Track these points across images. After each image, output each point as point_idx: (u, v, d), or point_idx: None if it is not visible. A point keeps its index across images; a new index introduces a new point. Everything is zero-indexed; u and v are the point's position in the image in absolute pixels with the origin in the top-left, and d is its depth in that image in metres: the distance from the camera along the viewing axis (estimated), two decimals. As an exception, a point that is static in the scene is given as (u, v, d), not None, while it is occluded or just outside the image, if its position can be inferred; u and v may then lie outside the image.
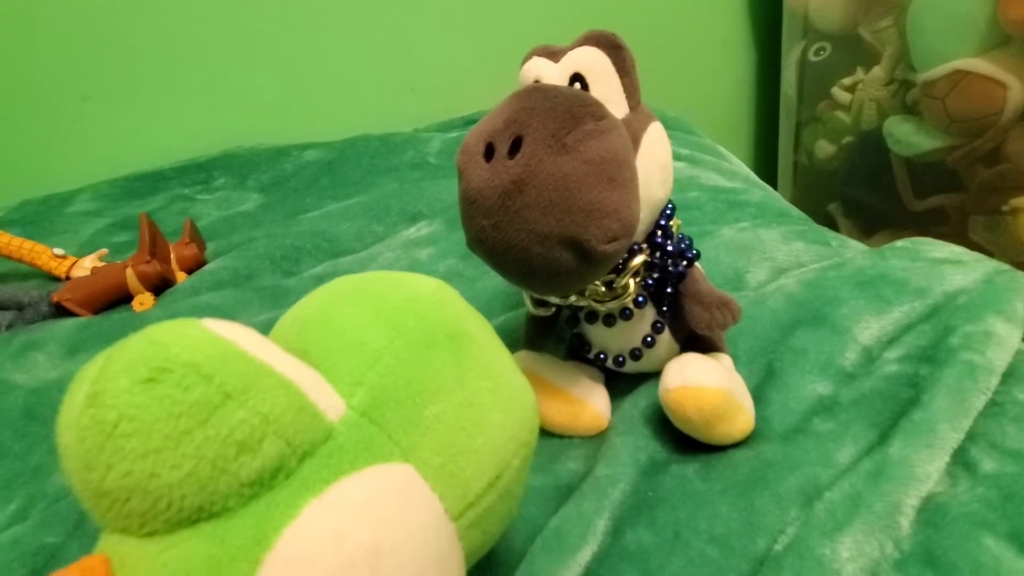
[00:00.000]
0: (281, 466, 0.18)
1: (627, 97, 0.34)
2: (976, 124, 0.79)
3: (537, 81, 0.34)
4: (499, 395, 0.22)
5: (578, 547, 0.31)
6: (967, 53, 0.78)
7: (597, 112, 0.30)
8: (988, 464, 0.33)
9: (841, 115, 1.00)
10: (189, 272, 0.65)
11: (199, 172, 0.88)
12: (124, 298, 0.60)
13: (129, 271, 0.59)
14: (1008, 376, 0.37)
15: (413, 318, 0.22)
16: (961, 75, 0.78)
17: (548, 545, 0.31)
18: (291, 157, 0.88)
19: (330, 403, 0.19)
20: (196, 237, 0.67)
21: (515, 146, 0.29)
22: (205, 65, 0.92)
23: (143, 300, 0.59)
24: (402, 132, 0.92)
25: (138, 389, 0.17)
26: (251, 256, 0.63)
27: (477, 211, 0.30)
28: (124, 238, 0.75)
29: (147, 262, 0.60)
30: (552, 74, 0.34)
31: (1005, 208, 0.79)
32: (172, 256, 0.64)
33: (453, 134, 0.90)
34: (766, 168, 1.24)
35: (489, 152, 0.30)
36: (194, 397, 0.17)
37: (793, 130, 1.10)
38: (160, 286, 0.61)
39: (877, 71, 0.93)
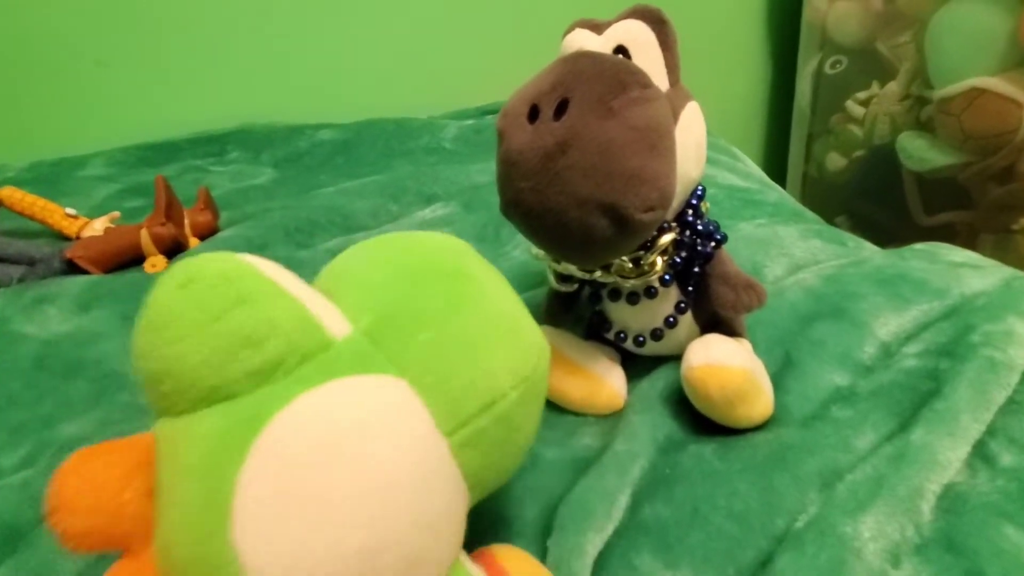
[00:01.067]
0: (281, 363, 0.21)
1: (668, 73, 0.34)
2: (991, 142, 0.79)
3: (580, 51, 0.34)
4: (496, 329, 0.24)
5: (604, 522, 0.31)
6: (985, 71, 0.79)
7: (643, 80, 0.30)
8: (1007, 458, 0.33)
9: (854, 128, 1.01)
10: (202, 239, 0.64)
11: (213, 145, 0.87)
12: (136, 259, 0.60)
13: (144, 232, 0.59)
14: (1026, 376, 0.37)
15: (416, 258, 0.25)
16: (978, 93, 0.79)
17: (575, 517, 0.31)
18: (305, 136, 0.87)
19: (334, 323, 0.23)
20: (211, 205, 0.66)
21: (560, 109, 0.29)
22: (224, 39, 0.92)
23: (155, 262, 0.59)
24: (417, 118, 0.92)
25: (176, 291, 0.21)
26: (265, 227, 0.63)
27: (517, 173, 0.30)
28: (136, 203, 0.74)
29: (162, 224, 0.59)
30: (595, 45, 0.34)
31: (1015, 227, 0.80)
32: (186, 221, 0.64)
33: (469, 122, 0.90)
34: (775, 178, 1.24)
35: (533, 114, 0.30)
36: (215, 296, 0.21)
37: (804, 141, 1.10)
38: (173, 249, 0.61)
39: (893, 86, 0.94)
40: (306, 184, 0.76)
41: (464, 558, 0.26)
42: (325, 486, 0.20)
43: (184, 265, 0.22)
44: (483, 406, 0.23)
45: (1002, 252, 0.81)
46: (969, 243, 0.86)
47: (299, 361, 0.21)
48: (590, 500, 0.32)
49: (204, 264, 0.22)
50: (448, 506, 0.23)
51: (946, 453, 0.32)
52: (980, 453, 0.33)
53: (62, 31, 0.86)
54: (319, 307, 0.23)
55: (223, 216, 0.69)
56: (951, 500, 0.31)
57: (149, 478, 0.21)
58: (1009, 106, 0.76)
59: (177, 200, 0.63)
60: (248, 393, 0.21)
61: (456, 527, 0.24)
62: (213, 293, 0.21)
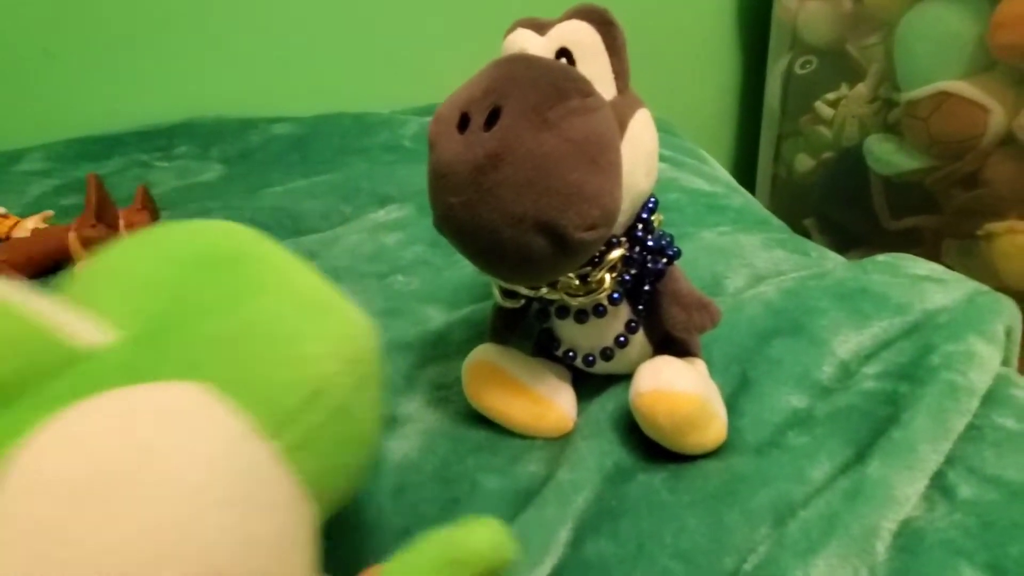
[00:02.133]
0: (10, 382, 0.17)
1: (615, 79, 0.32)
2: (957, 146, 0.79)
3: (521, 53, 0.31)
4: (304, 311, 0.21)
5: (540, 558, 0.29)
6: (952, 75, 0.78)
7: (584, 88, 0.28)
8: (966, 490, 0.31)
9: (823, 130, 1.00)
10: (138, 241, 0.60)
11: (159, 138, 0.83)
12: (65, 264, 0.56)
13: (72, 235, 0.55)
14: (987, 399, 0.36)
15: (188, 248, 0.22)
16: (945, 96, 0.78)
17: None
18: (258, 129, 0.84)
19: (86, 332, 0.19)
20: (149, 204, 0.62)
21: (492, 118, 0.27)
22: (174, 27, 0.88)
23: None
24: (378, 113, 0.89)
25: None
26: (207, 229, 0.60)
27: (446, 187, 0.28)
28: (73, 201, 0.70)
29: (92, 226, 0.55)
30: (537, 47, 0.31)
31: (980, 233, 0.79)
32: (121, 222, 0.60)
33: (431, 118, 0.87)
34: (744, 179, 1.23)
35: (464, 123, 0.28)
36: None
37: (774, 142, 1.09)
38: (104, 254, 0.57)
39: (861, 88, 0.93)
40: (256, 182, 0.72)
41: None
42: (93, 527, 0.16)
43: None
44: (307, 398, 0.20)
45: (967, 257, 0.81)
46: (934, 248, 0.85)
47: (39, 380, 0.17)
48: (527, 536, 0.30)
49: None
50: (284, 522, 0.19)
51: (903, 488, 0.30)
52: (938, 484, 0.32)
53: (10, 19, 0.81)
54: (45, 308, 0.18)
55: (163, 216, 0.65)
56: (907, 538, 0.29)
57: None
58: (975, 110, 0.76)
59: (110, 200, 0.59)
60: None
61: (299, 544, 0.20)
62: None
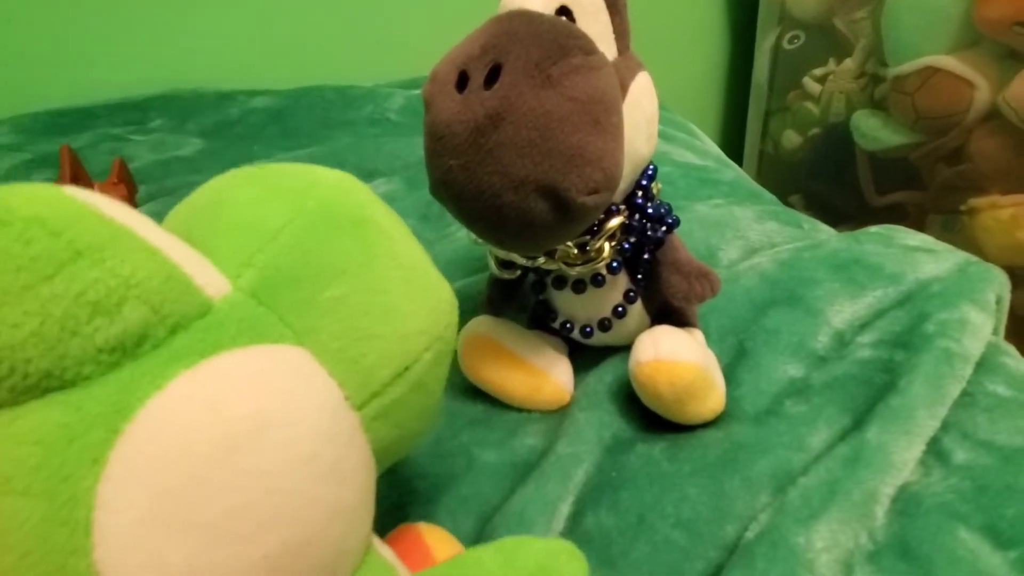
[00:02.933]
0: (146, 334, 0.16)
1: (616, 39, 0.31)
2: (942, 122, 0.79)
3: (519, 12, 0.30)
4: (410, 284, 0.21)
5: (544, 534, 0.29)
6: (939, 50, 0.78)
7: (586, 46, 0.27)
8: (961, 455, 0.31)
9: (810, 106, 1.00)
10: (115, 216, 0.58)
11: (133, 111, 0.80)
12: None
13: (44, 209, 0.53)
14: (979, 366, 0.36)
15: (314, 201, 0.20)
16: (931, 71, 0.78)
17: (511, 531, 0.29)
18: (237, 102, 0.81)
19: (209, 280, 0.18)
20: (126, 178, 0.60)
21: (492, 76, 0.26)
22: (146, -5, 0.84)
23: (59, 242, 0.53)
24: (361, 86, 0.86)
25: None
26: (187, 203, 0.58)
27: (444, 148, 0.27)
28: (45, 175, 0.67)
29: (65, 200, 0.53)
30: (537, 6, 0.30)
31: (963, 208, 0.80)
32: (96, 197, 0.58)
33: (417, 92, 0.85)
34: (732, 155, 1.23)
35: (462, 81, 0.26)
36: (36, 251, 0.15)
37: (761, 118, 1.09)
38: (80, 228, 0.55)
39: (849, 63, 0.92)
40: (236, 156, 0.70)
41: (376, 543, 0.23)
42: (216, 491, 0.16)
43: None
44: (396, 373, 0.20)
45: (950, 233, 0.82)
46: (918, 223, 0.86)
47: (169, 331, 0.17)
48: (529, 512, 0.30)
49: (11, 201, 0.15)
50: (362, 488, 0.20)
51: (901, 453, 0.30)
52: (933, 450, 0.32)
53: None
54: (181, 254, 0.18)
55: (141, 191, 0.63)
56: (904, 502, 0.29)
57: None
58: (961, 86, 0.76)
59: (85, 172, 0.57)
60: (100, 377, 0.16)
61: (369, 509, 0.21)
62: (33, 247, 0.15)
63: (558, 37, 0.26)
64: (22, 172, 0.69)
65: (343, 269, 0.19)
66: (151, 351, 0.16)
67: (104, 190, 0.58)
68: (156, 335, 0.17)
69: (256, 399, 0.17)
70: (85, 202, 0.16)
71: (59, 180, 0.54)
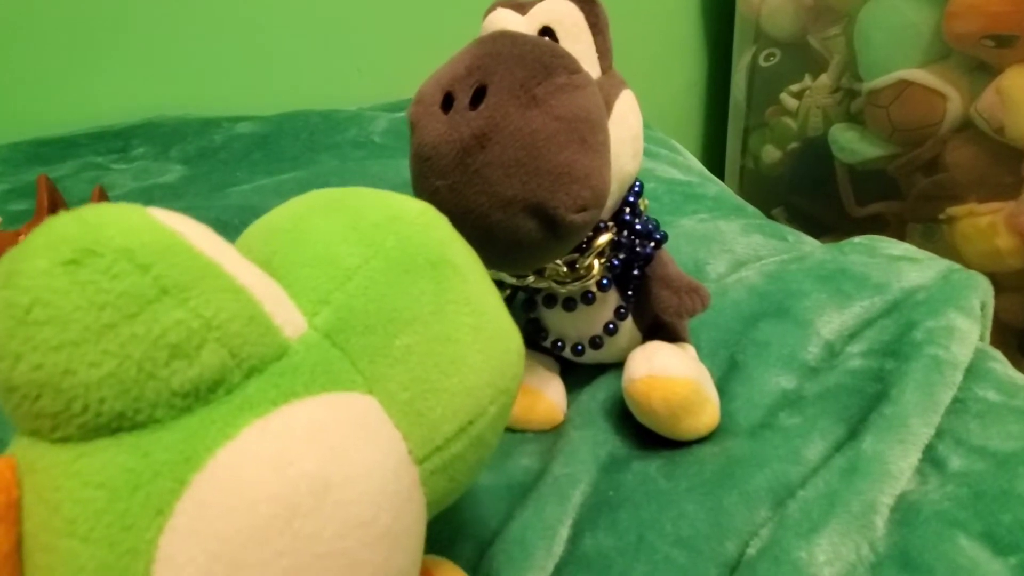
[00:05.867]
0: (222, 379, 0.16)
1: (600, 58, 0.31)
2: (917, 133, 0.81)
3: (502, 33, 0.30)
4: (481, 333, 0.20)
5: (543, 561, 0.28)
6: (911, 64, 0.80)
7: (570, 65, 0.27)
8: (956, 461, 0.31)
9: (788, 121, 1.01)
10: (96, 245, 0.57)
11: (116, 140, 0.79)
12: (16, 271, 0.53)
13: (23, 239, 0.52)
14: (968, 372, 0.36)
15: (393, 238, 0.19)
16: (905, 85, 0.80)
17: (512, 558, 0.28)
18: (221, 129, 0.81)
19: (289, 318, 0.17)
20: (107, 207, 0.59)
21: (477, 97, 0.26)
22: (131, 23, 0.84)
23: (39, 274, 0.52)
24: (345, 110, 0.87)
25: (58, 271, 0.14)
26: (170, 230, 0.57)
27: (431, 169, 0.27)
28: (23, 206, 0.66)
29: (45, 231, 0.52)
30: (518, 26, 0.30)
31: (941, 217, 0.81)
32: (77, 226, 0.57)
33: (401, 114, 0.86)
34: (713, 172, 1.25)
35: (448, 103, 0.27)
36: (123, 287, 0.14)
37: (741, 134, 1.11)
38: (60, 259, 0.54)
39: (824, 79, 0.94)
40: (219, 182, 0.70)
41: None
42: (272, 555, 0.15)
43: (68, 227, 0.15)
44: (461, 427, 0.19)
45: (930, 241, 0.83)
46: (899, 233, 0.87)
47: (245, 375, 0.16)
48: (529, 538, 0.29)
49: (104, 230, 0.15)
50: (414, 549, 0.19)
51: (898, 462, 0.30)
52: (929, 458, 0.32)
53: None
54: (264, 291, 0.17)
55: (123, 219, 0.62)
56: (903, 511, 0.29)
57: (10, 529, 0.15)
58: (934, 98, 0.78)
59: (63, 202, 0.56)
60: (171, 421, 0.15)
61: (417, 567, 0.20)
62: (120, 282, 0.14)
63: (542, 57, 0.26)
64: (1, 202, 0.68)
65: (416, 316, 0.18)
66: (224, 396, 0.16)
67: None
68: (231, 380, 0.16)
69: (322, 456, 0.16)
70: (175, 231, 0.16)
71: (37, 210, 0.54)
